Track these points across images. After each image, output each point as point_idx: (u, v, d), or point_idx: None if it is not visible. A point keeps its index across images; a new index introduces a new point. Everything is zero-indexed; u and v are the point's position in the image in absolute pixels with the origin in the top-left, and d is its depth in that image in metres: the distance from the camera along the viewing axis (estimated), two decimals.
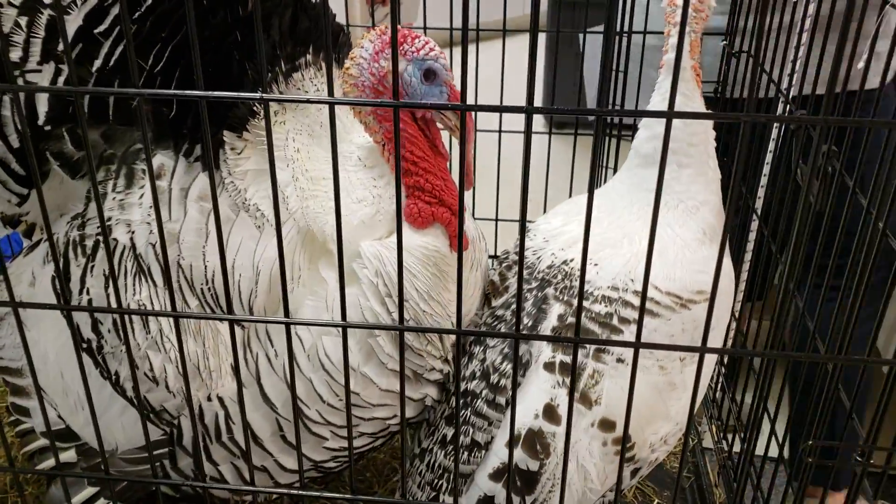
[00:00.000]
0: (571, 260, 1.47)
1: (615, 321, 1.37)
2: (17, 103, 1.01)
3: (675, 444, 1.45)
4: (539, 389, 1.36)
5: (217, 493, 1.49)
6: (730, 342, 2.21)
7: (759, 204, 1.90)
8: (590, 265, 1.43)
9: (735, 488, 1.92)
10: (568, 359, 1.35)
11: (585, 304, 1.39)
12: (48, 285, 1.47)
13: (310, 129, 1.40)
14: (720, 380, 2.22)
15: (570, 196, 2.26)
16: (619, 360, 1.35)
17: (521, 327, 1.37)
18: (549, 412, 1.35)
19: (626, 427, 0.96)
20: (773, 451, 1.67)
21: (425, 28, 2.31)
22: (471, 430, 1.43)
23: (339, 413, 1.37)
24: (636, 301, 1.38)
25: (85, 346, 1.39)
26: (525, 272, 1.49)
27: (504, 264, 1.59)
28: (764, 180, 1.87)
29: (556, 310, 1.42)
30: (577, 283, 1.43)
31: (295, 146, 1.36)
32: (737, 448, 1.98)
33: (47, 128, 1.36)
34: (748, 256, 1.98)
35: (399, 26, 0.89)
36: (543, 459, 1.34)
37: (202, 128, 0.90)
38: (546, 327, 1.41)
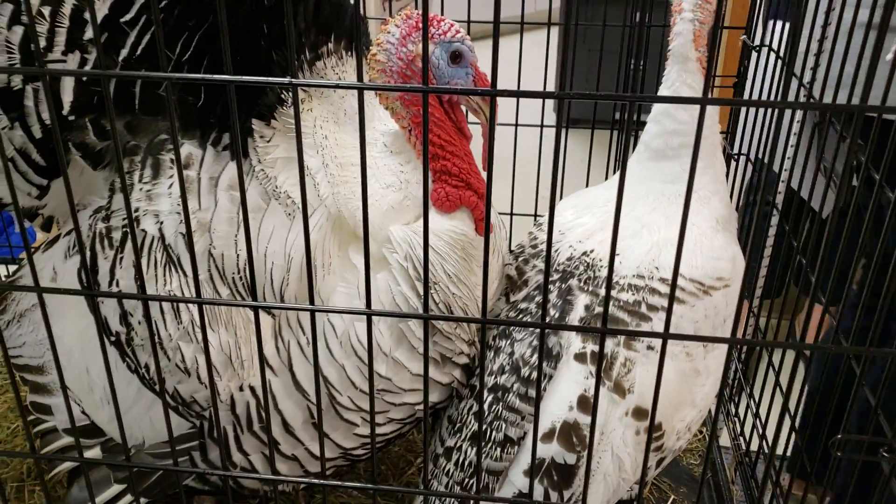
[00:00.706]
0: (592, 251, 1.47)
1: (643, 309, 1.38)
2: (45, 88, 1.00)
3: (695, 431, 1.45)
4: (572, 381, 1.35)
5: (246, 483, 1.49)
6: (747, 338, 2.20)
7: (779, 199, 1.89)
8: (626, 251, 1.44)
9: (753, 486, 1.91)
10: (597, 348, 1.34)
11: (612, 293, 1.38)
12: (72, 279, 1.46)
13: (335, 117, 1.40)
14: (737, 376, 2.21)
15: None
16: (650, 348, 1.35)
17: (548, 319, 1.38)
18: (584, 403, 1.33)
19: (654, 413, 0.95)
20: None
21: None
22: (503, 426, 1.40)
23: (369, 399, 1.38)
24: (662, 288, 1.38)
25: (113, 338, 1.38)
26: (544, 264, 1.47)
27: (521, 258, 1.57)
28: (784, 175, 1.86)
29: (582, 300, 1.42)
30: (600, 273, 1.42)
31: (323, 133, 1.36)
32: (754, 446, 1.97)
33: (71, 117, 1.35)
34: (767, 252, 1.97)
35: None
36: (581, 452, 1.33)
37: (230, 113, 0.90)
38: (574, 318, 1.40)
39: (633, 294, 1.39)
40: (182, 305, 1.33)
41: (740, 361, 2.23)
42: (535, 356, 1.39)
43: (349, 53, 1.45)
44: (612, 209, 1.43)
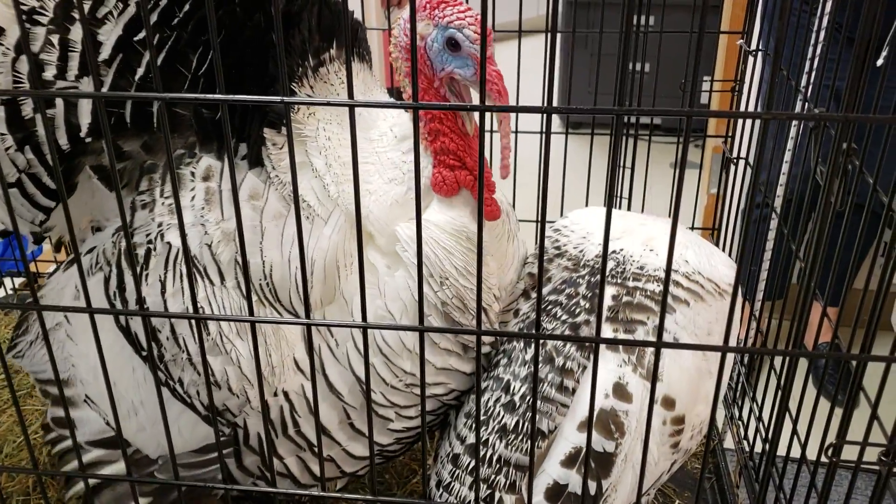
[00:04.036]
0: (621, 249, 1.51)
1: (668, 299, 1.40)
2: (42, 110, 1.01)
3: (703, 435, 1.46)
4: (605, 369, 1.35)
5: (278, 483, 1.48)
6: (750, 342, 2.20)
7: (777, 203, 1.89)
8: (646, 250, 1.49)
9: (757, 490, 1.91)
10: (628, 336, 1.37)
11: (639, 284, 1.43)
12: (97, 295, 1.44)
13: (339, 119, 1.40)
14: (740, 380, 2.21)
15: (587, 194, 2.26)
16: (675, 339, 1.37)
17: (578, 309, 1.43)
18: (619, 390, 1.34)
19: (651, 385, 0.95)
20: (796, 452, 1.66)
21: None
22: (538, 418, 1.38)
23: (401, 393, 1.40)
24: (685, 282, 1.43)
25: (144, 353, 1.39)
26: (569, 262, 1.53)
27: (544, 258, 1.58)
28: (783, 179, 1.86)
29: (609, 291, 1.44)
30: (630, 268, 1.46)
31: (326, 135, 1.37)
32: (758, 448, 1.97)
33: (88, 139, 1.37)
34: (767, 255, 1.97)
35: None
36: (619, 439, 1.32)
37: (223, 126, 0.91)
38: (603, 307, 1.42)
39: (657, 285, 1.43)
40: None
41: (743, 365, 2.23)
42: (569, 346, 1.40)
43: (353, 58, 1.47)
44: (636, 217, 1.57)
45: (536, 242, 1.45)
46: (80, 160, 1.42)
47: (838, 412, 1.27)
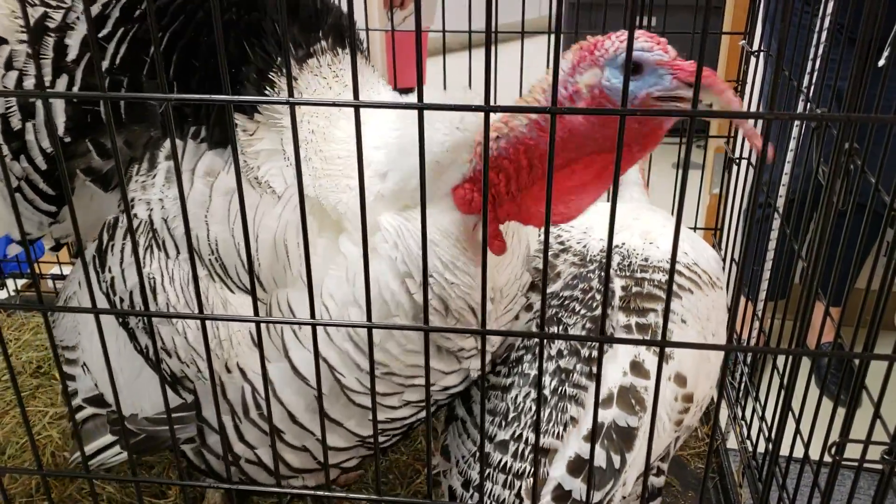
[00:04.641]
0: (623, 243, 1.60)
1: (675, 288, 1.50)
2: (46, 111, 1.04)
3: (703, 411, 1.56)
4: (623, 350, 1.42)
5: (254, 475, 1.47)
6: (753, 341, 2.20)
7: (780, 203, 1.90)
8: (646, 243, 1.58)
9: (760, 489, 1.92)
10: (642, 320, 1.46)
11: (646, 275, 1.52)
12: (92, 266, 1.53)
13: (327, 112, 1.38)
14: (743, 380, 2.21)
15: None
16: (683, 321, 1.48)
17: (594, 303, 1.47)
18: (637, 367, 1.41)
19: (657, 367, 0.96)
20: (799, 452, 1.66)
21: (444, 31, 2.33)
22: (568, 406, 1.41)
23: (379, 380, 1.33)
24: (687, 272, 1.54)
25: (121, 320, 1.45)
26: (575, 258, 1.59)
27: (549, 253, 1.60)
28: (785, 179, 1.87)
29: (618, 283, 1.52)
30: (635, 261, 1.55)
31: (310, 128, 1.35)
32: (761, 448, 1.97)
33: (68, 139, 1.43)
34: (770, 255, 1.98)
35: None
36: (640, 413, 1.38)
37: (229, 131, 0.91)
38: (614, 296, 1.50)
39: (664, 275, 1.52)
40: (159, 287, 1.37)
41: (746, 365, 2.23)
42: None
43: (344, 50, 1.45)
44: (626, 210, 1.65)
45: (538, 238, 1.44)
46: (69, 164, 1.47)
47: (841, 411, 1.27)
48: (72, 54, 1.42)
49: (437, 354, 1.38)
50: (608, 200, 1.04)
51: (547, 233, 0.94)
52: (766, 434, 1.92)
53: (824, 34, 1.62)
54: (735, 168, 2.17)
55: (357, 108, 0.90)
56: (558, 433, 1.40)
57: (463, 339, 1.37)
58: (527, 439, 1.42)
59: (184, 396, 1.43)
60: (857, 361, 1.33)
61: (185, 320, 1.34)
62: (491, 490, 1.42)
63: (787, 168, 1.86)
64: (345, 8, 1.48)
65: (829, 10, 1.63)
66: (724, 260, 2.13)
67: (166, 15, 1.36)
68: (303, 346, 1.32)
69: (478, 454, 1.45)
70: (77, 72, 1.43)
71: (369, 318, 1.03)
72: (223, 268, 1.34)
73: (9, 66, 1.45)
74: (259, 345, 1.10)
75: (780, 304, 2.26)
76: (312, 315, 1.03)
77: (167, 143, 1.38)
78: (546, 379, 1.43)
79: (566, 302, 1.51)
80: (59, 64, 1.43)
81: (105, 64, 1.39)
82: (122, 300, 1.43)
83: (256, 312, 1.11)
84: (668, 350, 1.40)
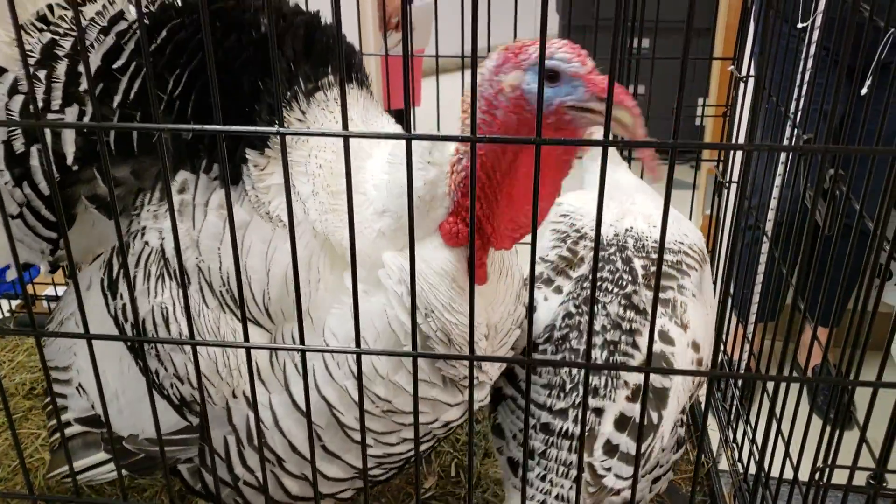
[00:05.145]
0: (632, 227, 1.74)
1: (684, 267, 1.67)
2: (42, 141, 1.05)
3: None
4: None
5: (251, 498, 1.49)
6: (743, 364, 2.22)
7: (769, 226, 1.91)
8: (650, 227, 1.74)
9: None
10: (663, 296, 1.62)
11: (655, 256, 1.62)
12: (97, 288, 1.53)
13: (334, 146, 1.39)
14: (734, 402, 2.22)
15: None
16: (693, 295, 1.65)
17: (623, 282, 1.60)
18: (665, 336, 1.57)
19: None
20: (789, 474, 1.67)
21: (437, 55, 2.35)
22: (620, 372, 1.55)
23: (378, 419, 1.37)
24: (691, 252, 1.71)
25: (129, 343, 1.45)
26: (592, 243, 1.71)
27: (569, 241, 1.75)
28: (774, 203, 1.89)
29: (638, 263, 1.67)
30: (647, 243, 1.70)
31: (318, 162, 1.36)
32: (752, 470, 1.98)
33: (76, 167, 1.43)
34: (759, 279, 1.99)
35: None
36: (671, 376, 1.54)
37: (220, 154, 0.93)
38: (638, 275, 1.64)
39: (674, 256, 1.69)
40: (171, 317, 1.37)
41: (737, 388, 2.24)
42: (629, 311, 1.59)
43: (350, 84, 1.47)
44: (621, 196, 1.79)
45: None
46: (73, 190, 1.47)
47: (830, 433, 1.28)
48: (85, 83, 1.40)
49: (441, 386, 1.40)
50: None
51: (534, 239, 0.95)
52: (757, 457, 1.92)
53: (811, 61, 1.64)
54: (725, 191, 2.19)
55: (346, 137, 0.92)
56: (612, 396, 1.52)
57: (464, 367, 1.40)
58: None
59: (189, 419, 1.44)
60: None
61: (200, 348, 1.34)
62: (557, 455, 1.53)
63: (776, 192, 1.87)
64: (354, 41, 1.50)
65: (815, 37, 1.66)
66: (714, 283, 2.15)
67: (185, 51, 1.35)
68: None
69: (538, 425, 1.55)
70: (88, 101, 1.41)
71: (358, 343, 1.04)
72: (234, 299, 1.35)
73: (13, 91, 1.45)
74: (249, 370, 1.12)
75: (769, 326, 2.27)
76: (302, 341, 1.04)
77: (179, 176, 1.38)
78: (595, 352, 1.55)
79: (599, 283, 1.64)
80: (69, 90, 1.42)
81: (118, 98, 1.38)
82: (133, 326, 1.40)
83: (247, 339, 1.11)
84: (685, 320, 1.60)
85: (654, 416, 1.51)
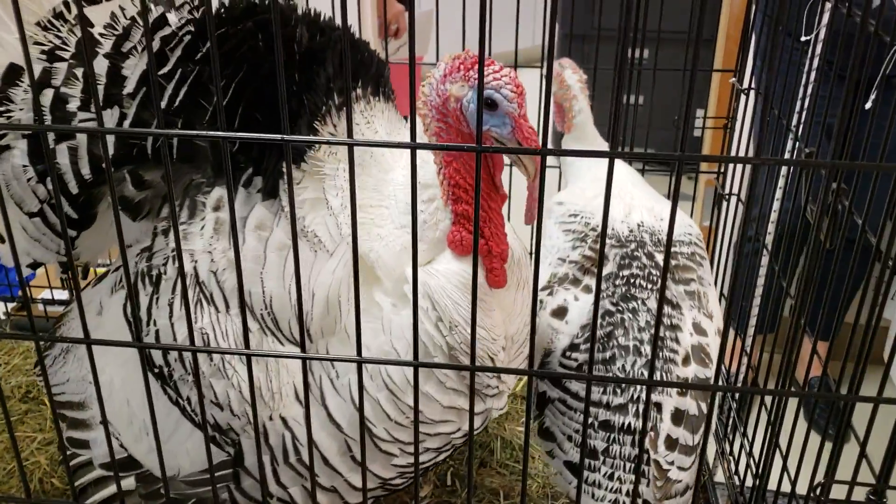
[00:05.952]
0: (642, 222, 1.79)
1: (698, 258, 1.75)
2: (45, 144, 1.04)
3: None
4: (688, 316, 1.67)
5: None
6: (740, 377, 2.21)
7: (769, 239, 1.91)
8: (657, 221, 1.80)
9: None
10: (689, 288, 1.70)
11: (674, 249, 1.76)
12: (117, 313, 1.50)
13: (360, 159, 1.42)
14: (731, 415, 2.22)
15: None
16: (709, 283, 1.77)
17: (654, 276, 1.69)
18: (697, 328, 1.65)
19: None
20: (786, 487, 1.66)
21: (437, 63, 2.35)
22: (670, 367, 1.61)
23: (406, 430, 1.39)
24: (699, 243, 1.79)
25: (156, 370, 1.42)
26: (611, 240, 1.76)
27: (590, 240, 1.78)
28: (774, 216, 1.88)
29: (660, 258, 1.73)
30: (661, 236, 1.76)
31: (345, 176, 1.37)
32: (749, 483, 1.97)
33: (111, 169, 1.39)
34: (759, 291, 1.99)
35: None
36: (710, 364, 1.61)
37: (223, 164, 0.92)
38: (659, 262, 1.71)
39: (688, 247, 1.76)
40: (212, 342, 1.36)
41: (734, 400, 2.24)
42: (667, 307, 1.66)
43: (376, 98, 1.49)
44: (624, 192, 1.84)
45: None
46: (100, 189, 1.45)
47: (829, 447, 1.28)
48: (129, 87, 1.37)
49: (465, 395, 1.42)
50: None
51: (538, 241, 0.95)
52: (754, 469, 1.92)
53: (813, 74, 1.64)
54: (724, 203, 2.19)
55: (351, 146, 0.92)
56: (668, 391, 1.58)
57: (487, 376, 1.45)
58: (641, 399, 1.58)
59: (226, 450, 1.43)
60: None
61: (239, 376, 1.35)
62: (620, 451, 1.56)
63: (776, 205, 1.87)
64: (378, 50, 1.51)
65: (818, 50, 1.66)
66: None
67: (231, 62, 1.33)
68: (338, 394, 1.37)
69: (597, 423, 1.58)
70: (132, 105, 1.37)
71: (359, 353, 1.03)
72: (275, 322, 1.36)
73: (44, 84, 1.39)
74: (305, 383, 1.11)
75: (769, 338, 2.27)
76: (359, 354, 1.04)
77: (214, 193, 1.37)
78: (646, 348, 1.60)
79: (630, 279, 1.71)
80: (110, 92, 1.37)
81: (162, 104, 1.35)
82: (166, 353, 1.39)
83: (304, 349, 1.12)
84: (710, 309, 1.70)
85: (704, 406, 1.58)
